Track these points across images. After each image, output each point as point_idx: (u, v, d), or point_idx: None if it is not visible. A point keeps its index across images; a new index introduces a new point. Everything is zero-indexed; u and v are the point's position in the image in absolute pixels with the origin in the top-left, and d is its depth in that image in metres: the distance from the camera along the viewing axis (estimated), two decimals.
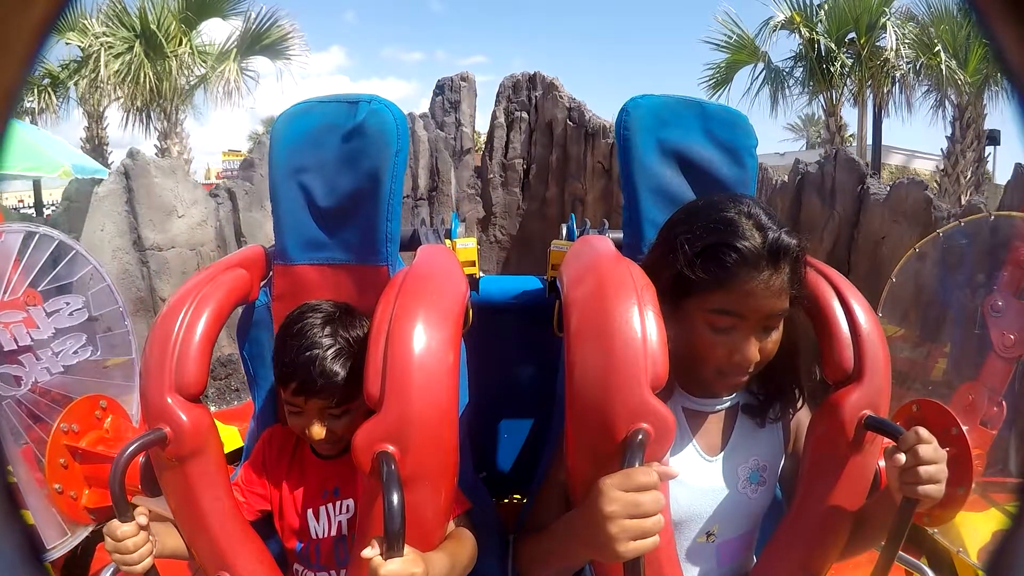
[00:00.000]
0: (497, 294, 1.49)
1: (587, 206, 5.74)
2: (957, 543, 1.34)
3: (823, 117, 10.33)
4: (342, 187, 1.16)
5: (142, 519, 0.90)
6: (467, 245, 1.37)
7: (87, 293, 1.45)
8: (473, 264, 1.37)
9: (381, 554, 0.77)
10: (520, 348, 1.59)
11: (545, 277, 1.41)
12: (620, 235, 1.24)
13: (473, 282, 1.40)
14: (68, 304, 1.42)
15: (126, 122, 9.67)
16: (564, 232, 1.49)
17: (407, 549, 0.79)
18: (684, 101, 1.20)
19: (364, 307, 1.15)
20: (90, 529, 1.35)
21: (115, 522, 0.89)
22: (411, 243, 1.39)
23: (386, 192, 1.15)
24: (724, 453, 1.01)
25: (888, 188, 4.18)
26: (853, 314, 0.96)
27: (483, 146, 6.17)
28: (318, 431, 1.01)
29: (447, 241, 1.43)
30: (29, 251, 1.37)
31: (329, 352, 1.00)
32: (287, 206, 1.19)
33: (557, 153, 5.78)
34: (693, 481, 0.98)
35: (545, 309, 1.30)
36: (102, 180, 4.50)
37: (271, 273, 1.22)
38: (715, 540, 1.01)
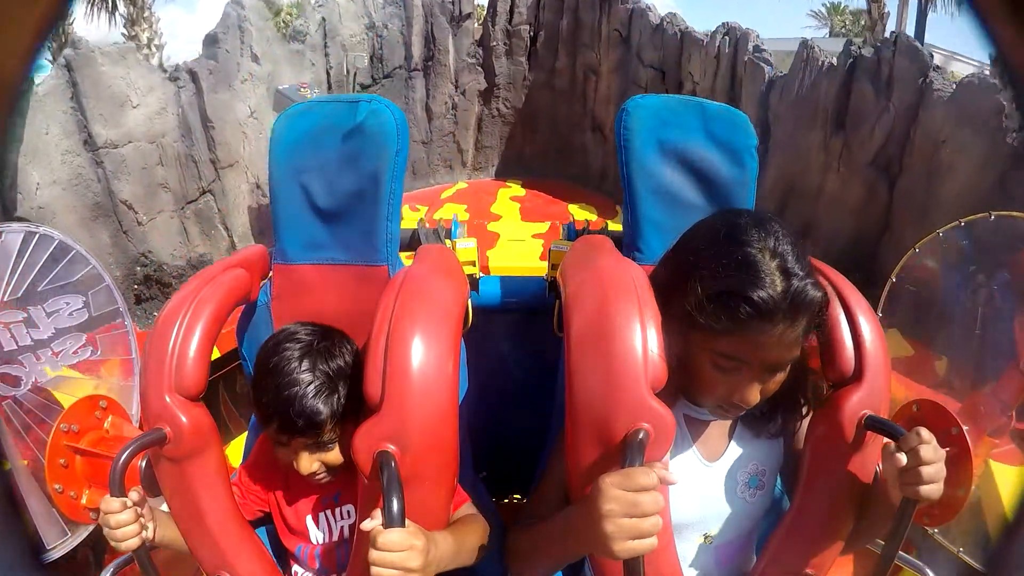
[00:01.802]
0: (497, 294, 1.49)
1: (601, 78, 5.15)
2: (988, 497, 1.33)
3: (848, 6, 9.17)
4: (342, 187, 1.16)
5: (134, 495, 0.90)
6: (467, 245, 1.37)
7: (87, 293, 1.44)
8: (473, 264, 1.37)
9: (382, 524, 0.77)
10: (520, 348, 1.59)
11: (545, 277, 1.41)
12: (620, 234, 1.24)
13: (473, 282, 1.39)
14: (68, 304, 1.41)
15: (92, 14, 9.04)
16: (564, 232, 1.49)
17: (407, 522, 0.79)
18: (684, 101, 1.20)
19: (364, 307, 1.15)
20: (90, 529, 1.35)
21: (106, 496, 0.90)
22: (411, 243, 1.39)
23: (386, 192, 1.15)
24: (723, 459, 1.01)
25: (955, 86, 3.59)
26: (853, 315, 0.96)
27: (484, 11, 5.55)
28: (306, 466, 0.99)
29: (447, 241, 1.43)
30: (29, 251, 1.37)
31: (309, 389, 0.95)
32: (287, 206, 1.19)
33: (568, 19, 5.23)
34: (692, 486, 0.98)
35: (545, 309, 1.30)
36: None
37: (271, 273, 1.22)
38: (713, 542, 1.01)
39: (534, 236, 3.29)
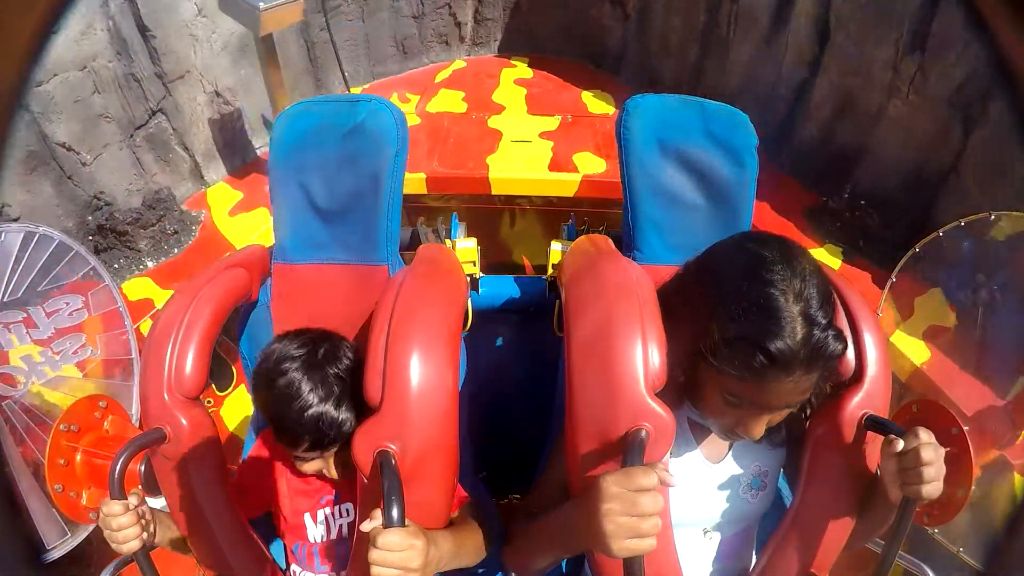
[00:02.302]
0: (497, 294, 1.49)
1: None
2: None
3: None
4: (342, 187, 1.16)
5: (133, 499, 0.90)
6: (467, 245, 1.37)
7: (87, 293, 1.45)
8: (473, 264, 1.37)
9: (382, 524, 0.77)
10: (520, 348, 1.59)
11: (545, 277, 1.41)
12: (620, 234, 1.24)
13: (473, 282, 1.40)
14: (68, 304, 1.42)
15: None
16: (564, 232, 1.49)
17: (407, 522, 0.79)
18: (684, 101, 1.20)
19: (364, 307, 1.15)
20: (90, 529, 1.35)
21: (106, 499, 0.90)
22: (411, 243, 1.39)
23: (386, 192, 1.15)
24: (727, 460, 1.01)
25: None
26: (853, 315, 0.96)
27: None
28: (335, 470, 1.02)
29: (447, 241, 1.43)
30: (29, 251, 1.37)
31: (328, 405, 0.96)
32: (287, 206, 1.19)
33: None
34: (694, 485, 0.98)
35: (545, 309, 1.30)
36: None
37: (271, 272, 1.22)
38: (713, 538, 1.01)
39: (542, 135, 2.85)
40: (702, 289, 0.86)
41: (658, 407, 0.81)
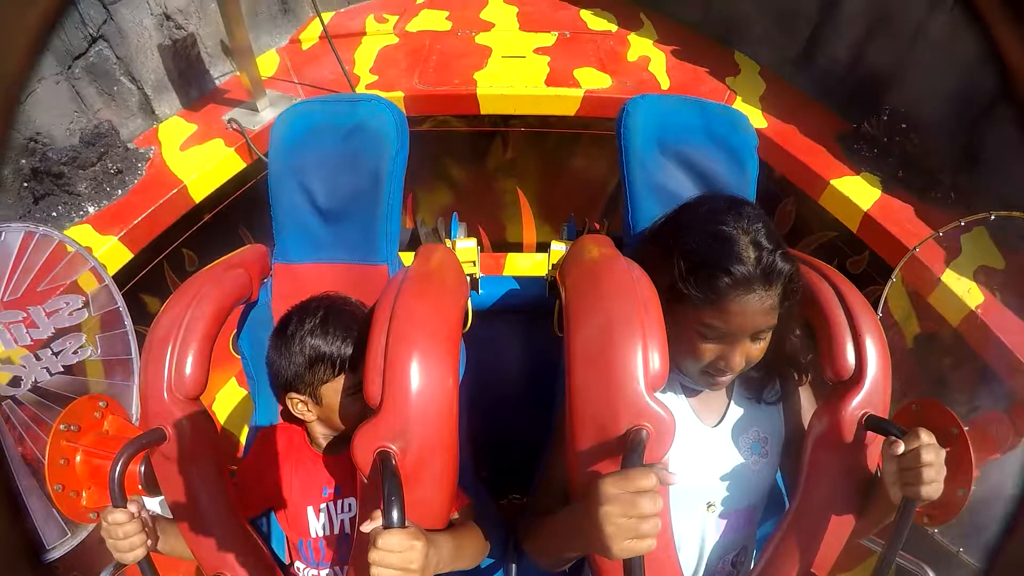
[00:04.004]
0: (497, 294, 1.49)
1: None
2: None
3: None
4: (342, 187, 1.16)
5: (132, 507, 0.90)
6: (467, 245, 1.37)
7: (87, 293, 1.44)
8: (473, 264, 1.37)
9: (382, 525, 0.77)
10: (520, 348, 1.59)
11: (545, 277, 1.41)
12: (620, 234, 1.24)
13: (473, 282, 1.40)
14: (68, 304, 1.41)
15: None
16: (564, 232, 1.49)
17: (408, 523, 0.79)
18: (684, 101, 1.20)
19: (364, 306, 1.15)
20: (90, 529, 1.35)
21: (109, 507, 0.89)
22: (411, 243, 1.39)
23: (386, 192, 1.15)
24: (724, 422, 1.03)
25: None
26: (853, 314, 0.96)
27: None
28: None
29: (447, 241, 1.43)
30: (29, 251, 1.37)
31: (352, 331, 1.03)
32: (287, 206, 1.19)
33: None
34: (694, 449, 0.99)
35: (545, 309, 1.30)
36: None
37: (271, 272, 1.22)
38: (715, 511, 1.01)
39: (536, 51, 2.47)
40: (667, 237, 0.98)
41: (658, 407, 0.81)
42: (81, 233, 1.75)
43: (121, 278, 1.59)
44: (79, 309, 1.44)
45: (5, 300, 1.33)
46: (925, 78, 2.20)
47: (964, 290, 1.55)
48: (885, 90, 2.17)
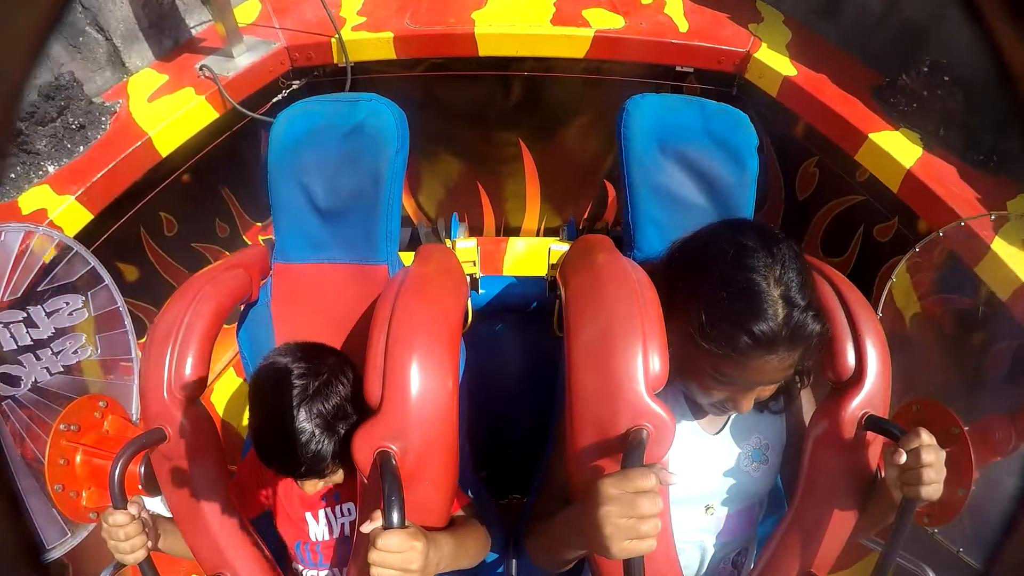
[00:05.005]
0: (497, 294, 1.49)
1: None
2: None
3: None
4: (342, 186, 1.16)
5: (133, 509, 0.90)
6: (467, 245, 1.37)
7: (87, 293, 1.44)
8: (473, 264, 1.37)
9: (382, 525, 0.78)
10: (520, 348, 1.59)
11: (545, 277, 1.41)
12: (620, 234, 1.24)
13: (473, 282, 1.40)
14: (68, 304, 1.41)
15: None
16: (564, 232, 1.49)
17: (408, 523, 0.79)
18: (685, 100, 1.20)
19: (364, 306, 1.15)
20: (90, 529, 1.35)
21: (110, 509, 0.89)
22: (411, 243, 1.39)
23: (386, 191, 1.15)
24: (726, 430, 1.02)
25: None
26: (854, 315, 0.96)
27: None
28: (311, 489, 1.00)
29: (447, 241, 1.43)
30: (29, 251, 1.37)
31: (311, 439, 0.92)
32: (287, 206, 1.19)
33: None
34: (694, 455, 0.99)
35: (545, 309, 1.30)
36: None
37: (271, 272, 1.22)
38: (714, 513, 1.02)
39: None
40: (688, 275, 0.90)
41: (658, 407, 0.81)
42: (39, 195, 1.60)
43: (85, 241, 1.46)
44: (79, 309, 1.44)
45: (5, 300, 1.33)
46: (963, 31, 1.82)
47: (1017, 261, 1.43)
48: (922, 43, 1.95)
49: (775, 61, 1.92)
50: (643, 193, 1.16)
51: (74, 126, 1.81)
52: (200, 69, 1.96)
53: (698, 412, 1.02)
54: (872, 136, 1.70)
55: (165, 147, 1.79)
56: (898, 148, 1.67)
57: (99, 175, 1.59)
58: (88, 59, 2.10)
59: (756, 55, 1.95)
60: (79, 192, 1.58)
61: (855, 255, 1.84)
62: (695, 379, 0.91)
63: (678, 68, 2.06)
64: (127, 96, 1.91)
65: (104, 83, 2.05)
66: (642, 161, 1.15)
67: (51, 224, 1.49)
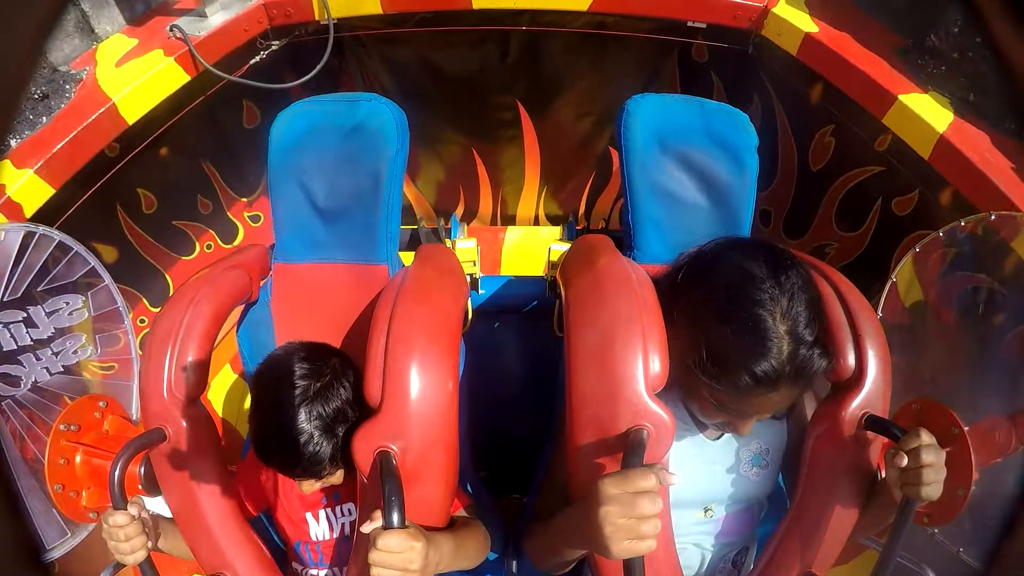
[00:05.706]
0: (497, 294, 1.49)
1: None
2: None
3: None
4: (342, 186, 1.16)
5: (133, 509, 0.90)
6: (467, 245, 1.37)
7: (87, 293, 1.44)
8: (473, 264, 1.37)
9: (382, 525, 0.78)
10: (520, 348, 1.59)
11: (545, 277, 1.41)
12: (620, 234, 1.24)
13: (473, 282, 1.40)
14: (68, 304, 1.41)
15: None
16: (564, 232, 1.49)
17: (408, 523, 0.79)
18: (685, 100, 1.20)
19: (364, 306, 1.15)
20: (90, 529, 1.35)
21: (110, 510, 0.89)
22: (411, 243, 1.39)
23: (386, 191, 1.15)
24: (725, 437, 1.02)
25: None
26: (854, 315, 0.96)
27: None
28: (308, 488, 0.99)
29: (447, 241, 1.43)
30: (29, 251, 1.37)
31: (310, 440, 0.92)
32: (287, 206, 1.19)
33: None
34: (694, 461, 0.99)
35: (545, 309, 1.30)
36: None
37: (271, 272, 1.22)
38: (713, 515, 1.02)
39: None
40: (691, 301, 0.86)
41: (658, 408, 0.81)
42: None
43: (48, 218, 1.35)
44: (79, 309, 1.44)
45: (5, 300, 1.33)
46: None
47: None
48: (942, 10, 1.78)
49: (796, 17, 1.76)
50: (643, 193, 1.16)
51: (37, 96, 1.67)
52: (171, 30, 1.79)
53: (698, 420, 1.02)
54: (902, 97, 1.56)
55: (132, 114, 1.65)
56: (930, 111, 1.54)
57: (59, 145, 1.48)
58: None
59: (775, 10, 1.78)
60: (38, 165, 1.46)
61: (871, 230, 1.73)
62: (695, 401, 0.91)
63: (689, 24, 1.88)
64: (95, 63, 1.75)
65: (72, 51, 1.89)
66: (642, 161, 1.15)
67: (9, 201, 1.38)
